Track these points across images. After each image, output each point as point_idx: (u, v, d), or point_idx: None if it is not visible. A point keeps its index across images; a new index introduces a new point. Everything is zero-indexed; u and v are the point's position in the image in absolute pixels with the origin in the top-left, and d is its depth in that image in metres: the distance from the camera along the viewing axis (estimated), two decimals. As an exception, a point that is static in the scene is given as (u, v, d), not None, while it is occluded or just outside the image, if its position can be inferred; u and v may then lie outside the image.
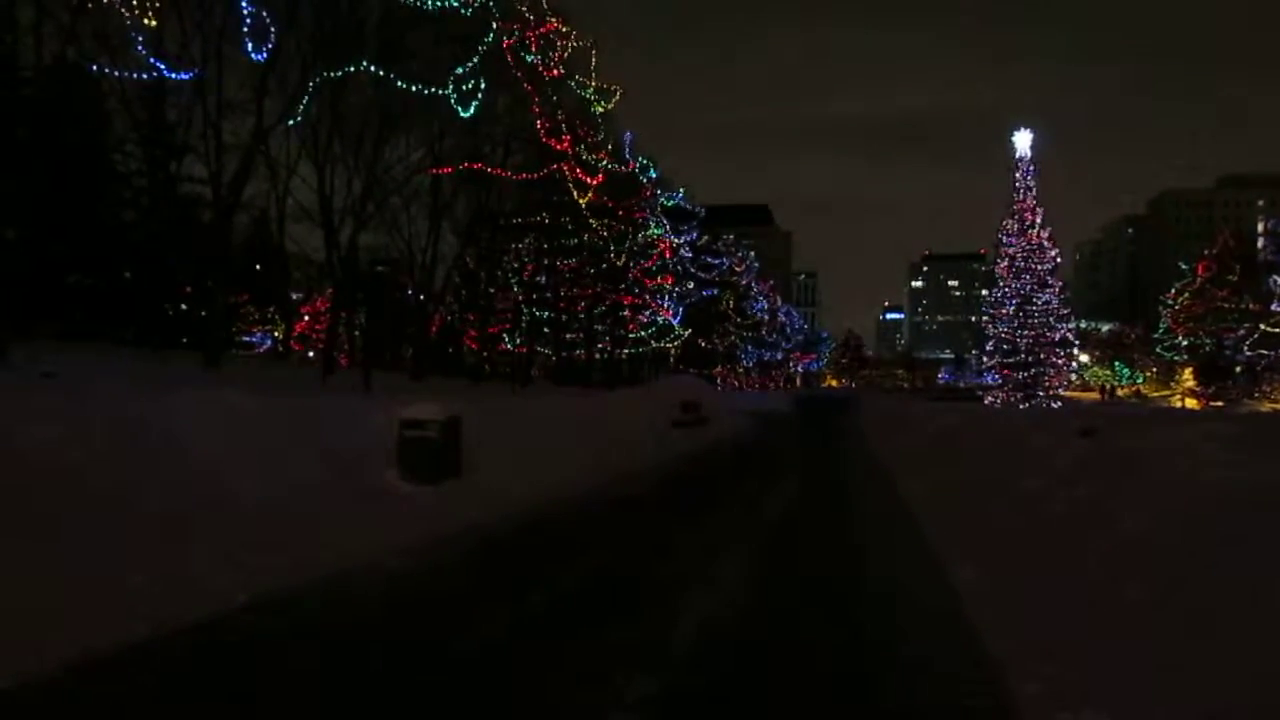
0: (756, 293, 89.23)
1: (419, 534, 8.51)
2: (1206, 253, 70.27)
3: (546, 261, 44.10)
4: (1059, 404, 57.11)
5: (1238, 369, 65.74)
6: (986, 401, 59.62)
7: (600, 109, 36.15)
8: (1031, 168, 58.61)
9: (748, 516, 11.18)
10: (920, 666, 5.15)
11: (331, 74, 23.58)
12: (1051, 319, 57.76)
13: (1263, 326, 60.49)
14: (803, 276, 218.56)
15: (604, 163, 36.17)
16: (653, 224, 49.09)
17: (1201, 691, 4.07)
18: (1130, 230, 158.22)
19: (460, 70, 24.50)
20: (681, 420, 25.00)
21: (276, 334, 41.87)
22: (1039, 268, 57.31)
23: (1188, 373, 69.99)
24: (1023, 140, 58.99)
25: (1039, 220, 57.50)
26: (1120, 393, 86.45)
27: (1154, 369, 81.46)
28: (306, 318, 49.29)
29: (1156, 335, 75.63)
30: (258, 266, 39.15)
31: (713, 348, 73.81)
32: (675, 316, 52.87)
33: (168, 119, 27.23)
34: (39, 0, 21.36)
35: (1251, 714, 3.83)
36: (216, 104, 24.89)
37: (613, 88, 35.99)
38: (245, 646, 5.18)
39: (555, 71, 31.26)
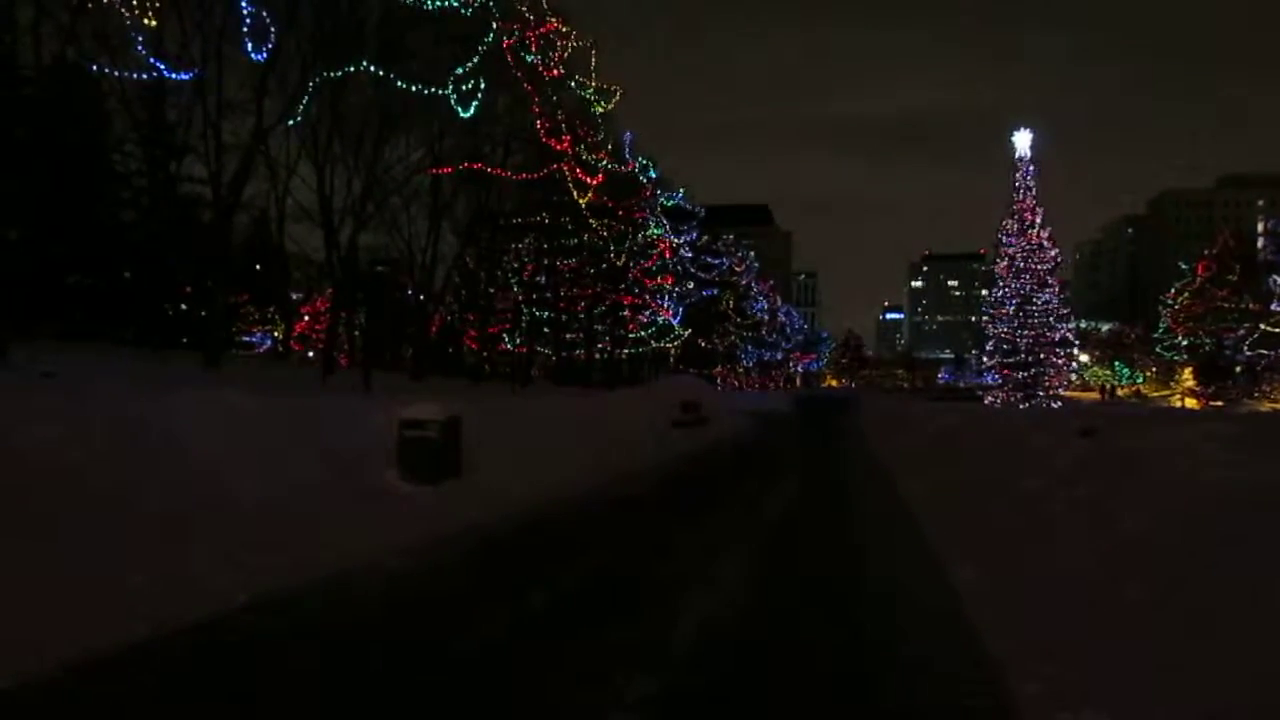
0: (756, 293, 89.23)
1: (419, 534, 8.51)
2: (1206, 252, 70.27)
3: (546, 261, 44.11)
4: (1059, 404, 57.12)
5: (1237, 369, 65.73)
6: (986, 401, 59.63)
7: (600, 109, 36.15)
8: (1031, 168, 58.69)
9: (748, 516, 11.18)
10: (920, 666, 5.15)
11: (331, 74, 23.58)
12: (1051, 319, 57.78)
13: (1262, 326, 60.48)
14: (803, 276, 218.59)
15: (604, 163, 36.17)
16: (653, 224, 49.09)
17: (1201, 691, 4.07)
18: (1130, 230, 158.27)
19: (460, 70, 24.49)
20: (681, 420, 25.00)
21: (276, 334, 41.86)
22: (1039, 267, 57.34)
23: (1187, 372, 69.99)
24: (1022, 140, 59.05)
25: (1039, 220, 57.54)
26: (1120, 392, 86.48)
27: (1154, 369, 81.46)
28: (306, 318, 49.29)
29: (1156, 335, 75.63)
30: (258, 266, 39.15)
31: (713, 348, 73.81)
32: (675, 316, 52.87)
33: (168, 119, 27.24)
34: (38, 0, 21.36)
35: (1251, 714, 3.83)
36: (216, 104, 24.90)
37: (613, 88, 36.02)
38: (245, 646, 5.18)
39: (555, 71, 31.26)
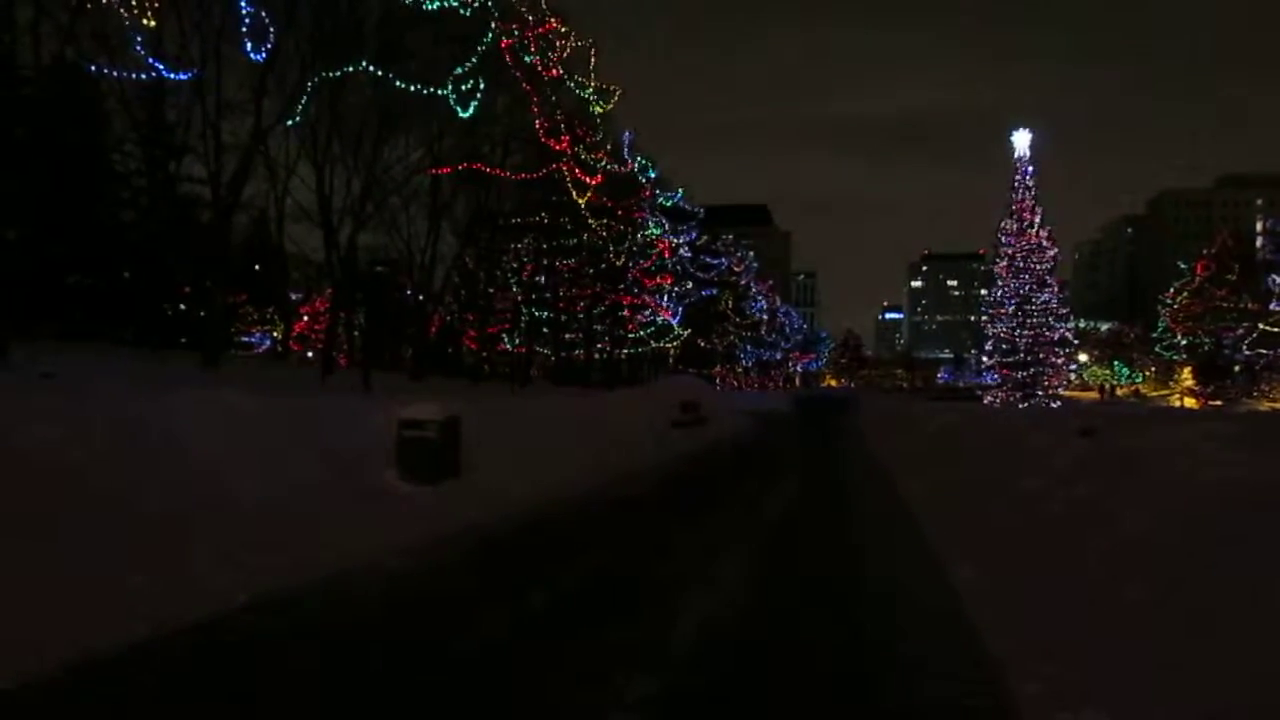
0: (755, 293, 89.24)
1: (419, 534, 8.51)
2: (1205, 252, 70.31)
3: (546, 261, 44.08)
4: (1058, 403, 57.12)
5: (1236, 368, 65.77)
6: (985, 401, 59.63)
7: (599, 109, 36.13)
8: (1030, 168, 58.67)
9: (747, 516, 11.18)
10: (920, 666, 5.15)
11: (330, 74, 23.56)
12: (1050, 318, 57.79)
13: (1261, 326, 60.50)
14: (802, 276, 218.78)
15: (603, 163, 36.17)
16: (652, 224, 49.08)
17: (1201, 691, 4.07)
18: (1129, 230, 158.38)
19: (459, 70, 24.47)
20: (681, 420, 24.99)
21: (275, 334, 41.83)
22: (1038, 267, 57.36)
23: (1186, 372, 70.03)
24: (1022, 140, 59.05)
25: (1038, 220, 57.55)
26: (1119, 392, 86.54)
27: (1153, 368, 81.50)
28: (305, 318, 49.25)
29: (1155, 335, 75.66)
30: (257, 267, 39.13)
31: (712, 348, 73.82)
32: (674, 316, 52.87)
33: (167, 119, 27.23)
34: (38, 0, 21.34)
35: (1251, 714, 3.83)
36: (215, 104, 24.89)
37: (612, 88, 35.98)
38: (245, 646, 5.18)
39: (554, 71, 31.24)
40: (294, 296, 45.12)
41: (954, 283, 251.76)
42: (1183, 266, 72.55)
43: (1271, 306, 59.49)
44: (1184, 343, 69.69)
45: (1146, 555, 5.83)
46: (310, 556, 7.13)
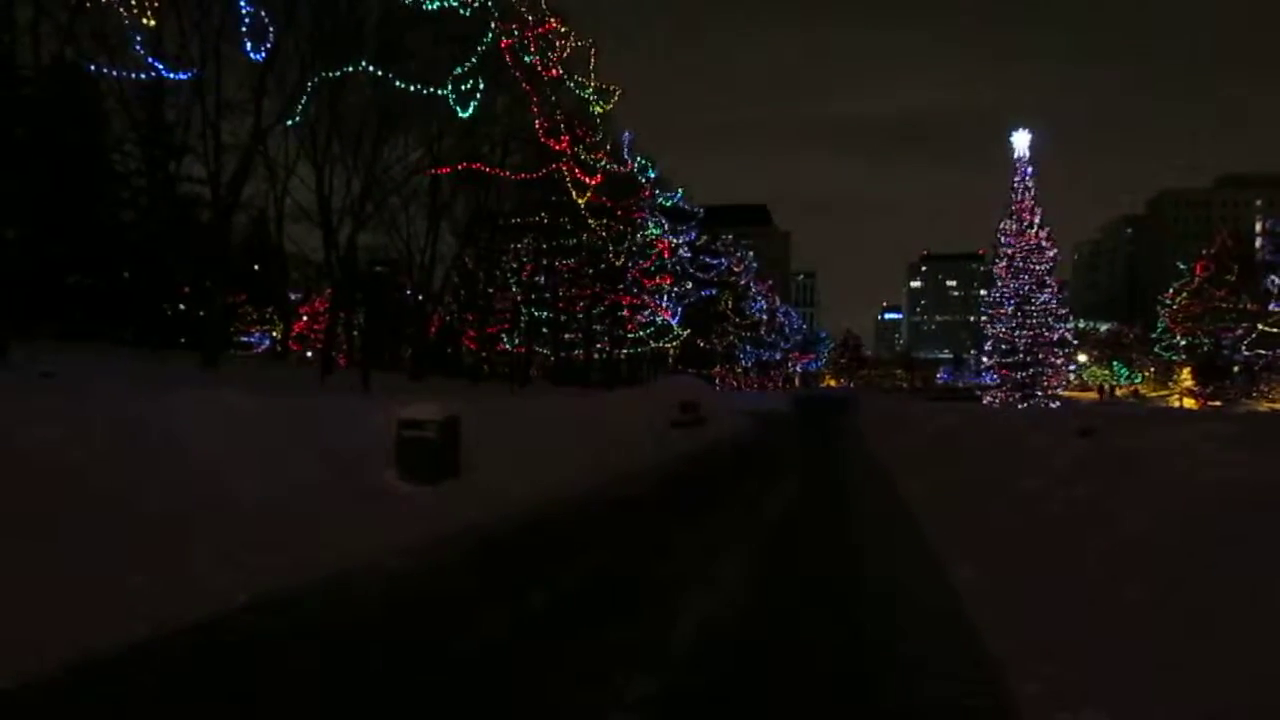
0: (755, 293, 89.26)
1: (418, 534, 8.51)
2: (1205, 253, 70.35)
3: (545, 261, 44.09)
4: (1057, 404, 57.14)
5: (1235, 369, 65.80)
6: (985, 401, 59.66)
7: (599, 109, 36.10)
8: (1030, 168, 58.71)
9: (747, 516, 11.18)
10: (920, 666, 5.16)
11: (330, 74, 23.55)
12: (1050, 319, 57.83)
13: (1260, 326, 60.55)
14: (801, 276, 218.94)
15: (603, 163, 36.14)
16: (651, 224, 49.09)
17: (1201, 691, 4.08)
18: (1129, 230, 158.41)
19: (459, 70, 24.46)
20: (680, 420, 24.99)
21: (275, 334, 41.83)
22: (1037, 267, 57.39)
23: (1186, 372, 70.05)
24: (1021, 140, 59.09)
25: (1038, 220, 57.59)
26: (1118, 392, 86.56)
27: (1152, 369, 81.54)
28: (305, 318, 49.23)
29: (1155, 335, 75.70)
30: (256, 266, 39.11)
31: (711, 348, 73.80)
32: (674, 317, 52.87)
33: (166, 119, 27.23)
34: (37, 0, 21.33)
35: (1251, 714, 3.83)
36: (215, 104, 24.88)
37: (612, 88, 35.95)
38: (245, 646, 5.18)
39: (554, 71, 31.22)
40: (293, 296, 45.12)
41: (953, 283, 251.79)
42: (1182, 267, 72.60)
43: (1271, 307, 59.56)
44: (1183, 343, 69.73)
45: (1146, 555, 5.83)
46: (310, 556, 7.13)
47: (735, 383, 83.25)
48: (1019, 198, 58.06)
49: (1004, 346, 58.27)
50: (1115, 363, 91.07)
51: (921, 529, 9.83)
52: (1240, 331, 63.64)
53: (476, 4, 24.66)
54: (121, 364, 19.93)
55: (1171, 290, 71.80)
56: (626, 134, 44.61)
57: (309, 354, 45.93)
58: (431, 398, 13.47)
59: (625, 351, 52.44)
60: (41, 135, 21.57)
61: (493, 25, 25.85)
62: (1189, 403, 66.43)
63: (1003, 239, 58.48)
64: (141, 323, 27.39)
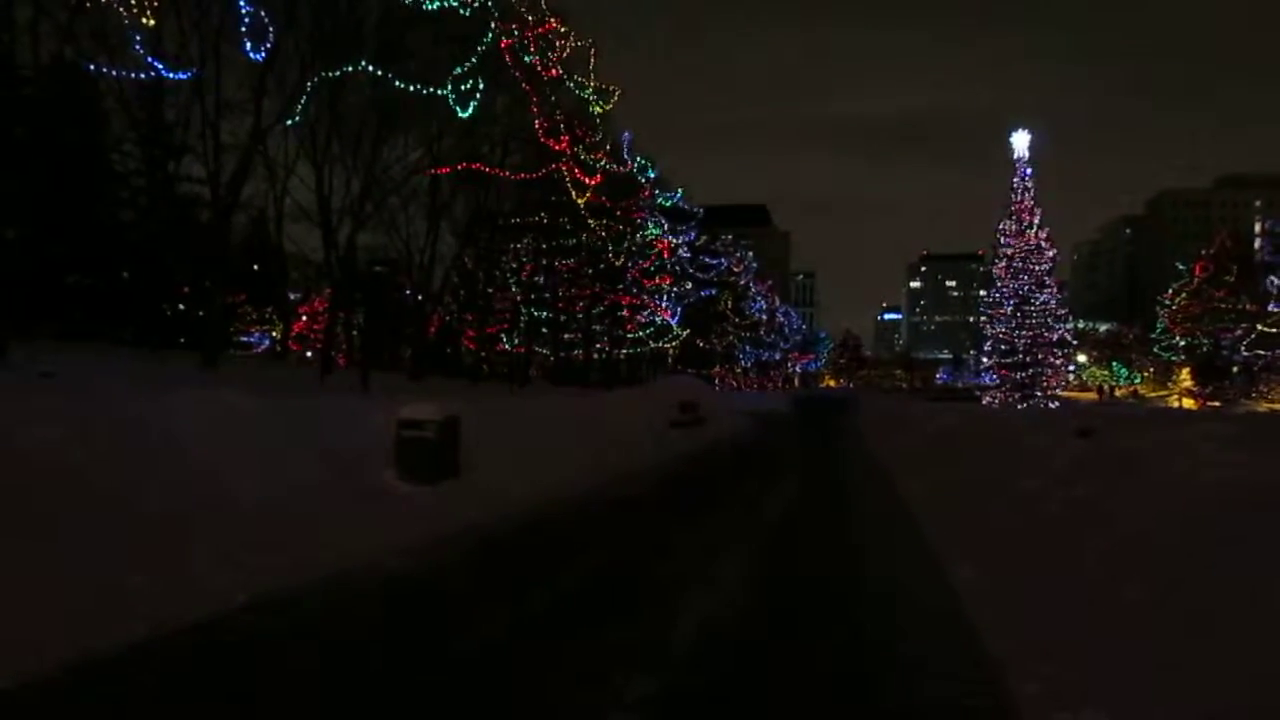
0: (755, 293, 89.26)
1: (418, 534, 8.51)
2: (1204, 253, 70.44)
3: (545, 261, 44.09)
4: (1056, 404, 57.15)
5: (1235, 369, 65.86)
6: (984, 402, 59.67)
7: (599, 109, 36.10)
8: (1029, 169, 58.72)
9: (747, 516, 11.18)
10: (920, 666, 5.16)
11: (330, 74, 23.54)
12: (1049, 319, 57.82)
13: (1259, 327, 60.61)
14: (801, 276, 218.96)
15: (602, 163, 36.14)
16: (651, 224, 49.08)
17: (1201, 691, 4.08)
18: (1128, 230, 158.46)
19: (459, 70, 24.45)
20: (679, 420, 24.98)
21: (274, 334, 41.83)
22: (1037, 268, 57.39)
23: (1185, 373, 70.10)
24: (1021, 141, 59.08)
25: (1037, 220, 57.58)
26: (1118, 393, 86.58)
27: (1151, 369, 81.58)
28: (304, 318, 49.21)
29: (1154, 335, 75.77)
30: (256, 266, 39.09)
31: (711, 348, 73.81)
32: (673, 317, 52.87)
33: (166, 119, 27.19)
34: (37, -1, 21.34)
35: (1251, 714, 3.84)
36: (215, 104, 24.86)
37: (611, 88, 35.95)
38: (245, 646, 5.18)
39: (554, 72, 31.22)
40: (293, 296, 45.09)
41: (953, 283, 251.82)
42: (1181, 267, 72.69)
43: (1270, 307, 59.62)
44: (1182, 343, 69.81)
45: (1145, 555, 5.83)
46: (310, 556, 7.13)
47: (735, 383, 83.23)
48: (1018, 198, 58.07)
49: (1003, 347, 58.27)
50: (1114, 363, 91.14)
51: (921, 529, 9.83)
52: (1239, 332, 63.70)
53: (476, 4, 24.66)
54: (121, 364, 19.93)
55: (1171, 291, 71.87)
56: (626, 134, 44.65)
57: (308, 354, 45.91)
58: (431, 398, 13.47)
59: (625, 351, 52.44)
60: (41, 135, 21.57)
61: (493, 25, 25.85)
62: (1188, 403, 66.47)
63: (1002, 239, 58.49)
64: (141, 323, 27.38)
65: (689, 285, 58.48)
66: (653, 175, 48.46)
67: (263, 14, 20.09)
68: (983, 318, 65.24)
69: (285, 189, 31.61)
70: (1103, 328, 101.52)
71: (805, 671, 5.04)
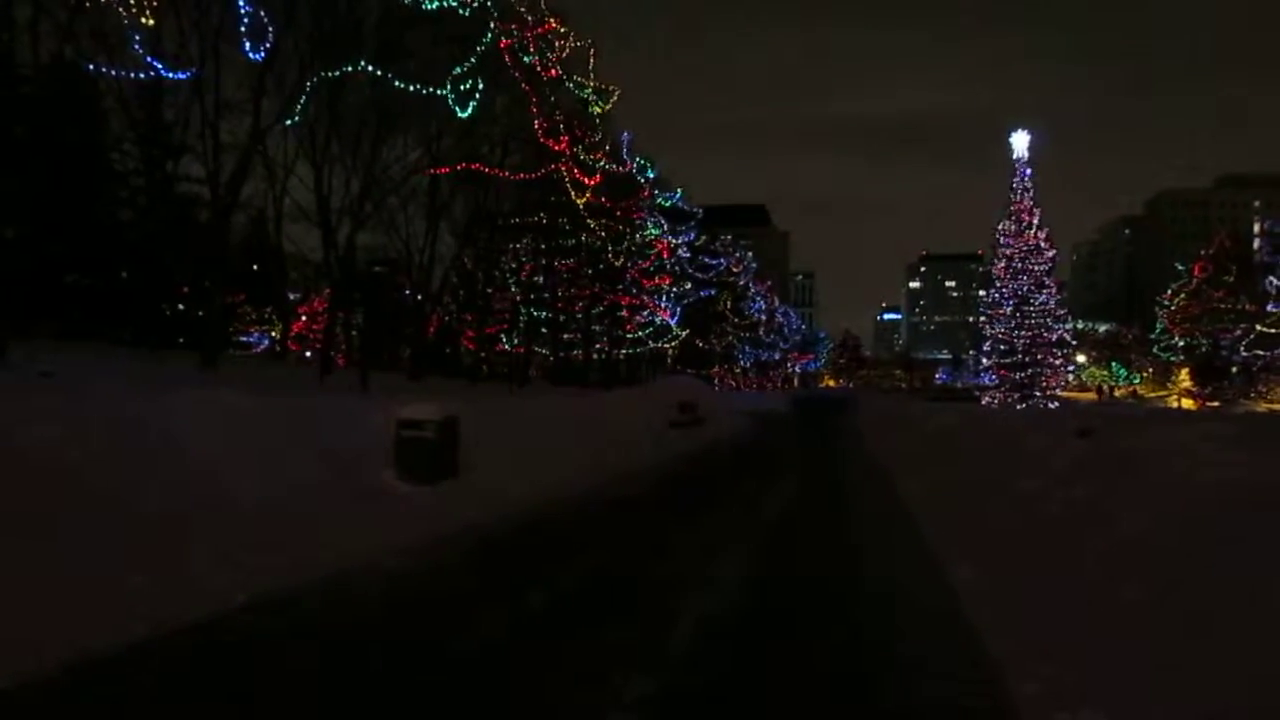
0: (754, 293, 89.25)
1: (417, 534, 8.51)
2: (1203, 253, 70.47)
3: (544, 262, 44.08)
4: (1056, 404, 57.18)
5: (1234, 369, 65.88)
6: (984, 402, 59.68)
7: (598, 109, 36.13)
8: (1029, 169, 58.77)
9: (746, 517, 11.18)
10: (918, 666, 5.16)
11: (329, 74, 23.52)
12: (1049, 319, 57.87)
13: (1259, 327, 60.63)
14: (800, 277, 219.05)
15: (602, 163, 36.16)
16: (650, 224, 49.09)
17: (1200, 691, 4.08)
18: (1127, 231, 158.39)
19: (458, 70, 24.45)
20: (679, 420, 24.99)
21: (274, 334, 41.81)
22: (1036, 268, 57.43)
23: (1184, 373, 70.12)
24: (1020, 141, 59.13)
25: (1036, 221, 57.63)
26: (1117, 393, 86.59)
27: (1151, 369, 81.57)
28: (304, 318, 49.19)
29: (1153, 336, 75.78)
30: (255, 266, 39.09)
31: (710, 348, 73.82)
32: (673, 317, 52.86)
33: (165, 118, 27.20)
34: (36, -1, 21.32)
35: (1250, 714, 3.84)
36: (214, 103, 24.84)
37: (611, 88, 35.99)
38: (244, 646, 5.18)
39: (553, 72, 31.24)
40: (292, 296, 45.09)
41: (952, 283, 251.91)
42: (1180, 268, 72.71)
43: (1269, 308, 59.65)
44: (1181, 344, 69.83)
45: (1144, 556, 5.84)
46: (309, 556, 7.13)
47: (734, 383, 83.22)
48: (1018, 198, 58.11)
49: (1003, 347, 58.32)
50: (1114, 363, 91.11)
51: (920, 529, 9.83)
52: (1239, 332, 63.73)
53: (476, 4, 24.66)
54: (120, 364, 19.93)
55: (1170, 291, 71.89)
56: (625, 134, 44.67)
57: (308, 354, 45.89)
58: (430, 398, 13.48)
59: (624, 352, 52.44)
60: (40, 134, 21.56)
61: (492, 25, 25.86)
62: (1187, 403, 66.50)
63: (1001, 239, 58.53)
64: (140, 322, 27.37)
65: (688, 285, 58.47)
66: (652, 175, 48.50)
67: (262, 14, 20.08)
68: (982, 318, 65.29)
69: (284, 189, 31.62)
70: (1102, 328, 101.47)
71: (804, 671, 5.04)
